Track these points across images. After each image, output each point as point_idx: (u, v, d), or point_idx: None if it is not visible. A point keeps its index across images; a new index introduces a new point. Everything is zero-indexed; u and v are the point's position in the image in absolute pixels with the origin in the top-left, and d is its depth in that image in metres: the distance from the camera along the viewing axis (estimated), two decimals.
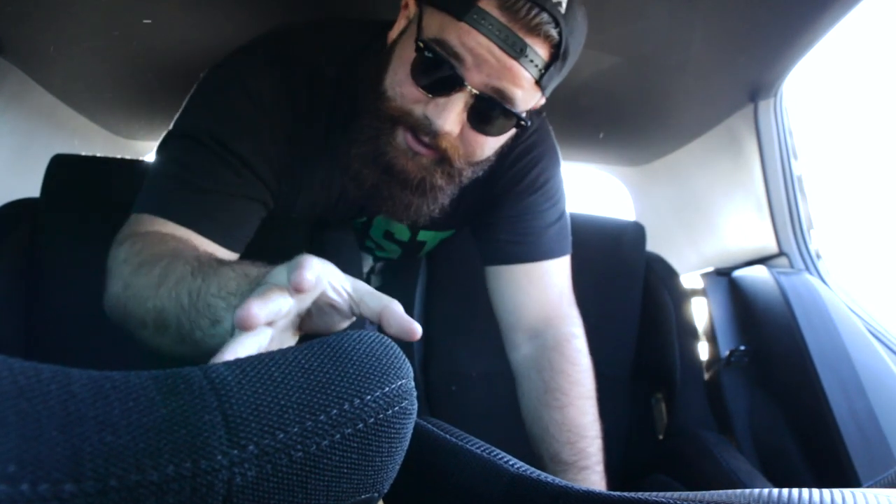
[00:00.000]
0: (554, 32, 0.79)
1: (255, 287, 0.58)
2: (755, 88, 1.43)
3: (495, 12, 0.77)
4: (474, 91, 0.81)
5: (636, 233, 1.64)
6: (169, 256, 0.73)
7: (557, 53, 0.81)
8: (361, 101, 0.91)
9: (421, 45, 0.80)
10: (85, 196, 1.20)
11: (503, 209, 1.09)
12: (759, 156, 1.52)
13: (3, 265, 1.14)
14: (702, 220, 1.89)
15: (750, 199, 1.62)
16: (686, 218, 1.96)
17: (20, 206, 1.21)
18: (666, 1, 1.13)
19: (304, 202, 1.04)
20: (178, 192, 0.84)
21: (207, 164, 0.85)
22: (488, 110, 0.84)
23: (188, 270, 0.68)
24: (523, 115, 0.86)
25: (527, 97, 0.85)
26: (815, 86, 1.56)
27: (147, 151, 2.09)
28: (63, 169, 1.21)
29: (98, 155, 1.35)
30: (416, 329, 0.55)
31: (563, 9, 0.79)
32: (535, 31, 0.78)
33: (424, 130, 0.84)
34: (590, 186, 2.28)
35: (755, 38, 1.24)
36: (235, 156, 0.87)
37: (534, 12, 0.77)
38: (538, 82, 0.83)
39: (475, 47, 0.78)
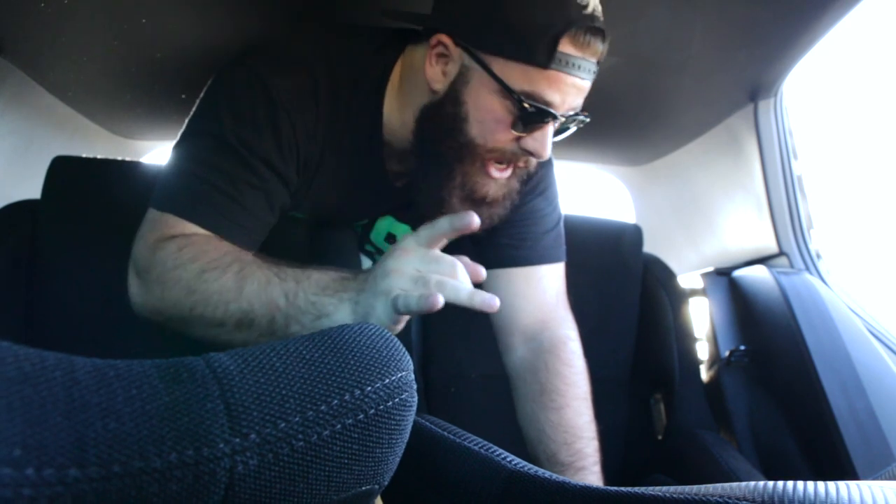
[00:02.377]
0: (605, 45, 0.88)
1: (354, 285, 0.77)
2: (755, 88, 1.43)
3: (571, 50, 0.84)
4: (562, 119, 0.89)
5: (634, 234, 1.64)
6: (237, 262, 0.80)
7: (601, 57, 0.90)
8: (434, 147, 0.94)
9: (525, 104, 0.86)
10: (85, 198, 1.20)
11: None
12: (759, 156, 1.52)
13: (4, 266, 1.15)
14: (702, 219, 1.89)
15: (750, 199, 1.62)
16: (686, 218, 1.96)
17: (21, 208, 1.22)
18: (666, 1, 1.14)
19: (312, 203, 1.04)
20: (202, 194, 0.86)
21: (230, 165, 0.87)
22: (566, 125, 0.93)
23: (272, 275, 0.79)
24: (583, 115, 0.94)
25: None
26: (815, 86, 1.57)
27: (147, 151, 2.09)
28: (64, 171, 1.21)
29: (98, 155, 1.35)
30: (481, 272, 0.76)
31: (602, 18, 0.88)
32: (598, 51, 0.87)
33: (517, 159, 0.93)
34: (590, 186, 2.28)
35: (755, 38, 1.24)
36: (261, 159, 0.88)
37: (597, 39, 0.86)
38: None
39: (563, 86, 0.86)
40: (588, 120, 0.95)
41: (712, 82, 1.44)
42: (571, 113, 0.91)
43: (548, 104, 0.86)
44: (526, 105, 0.86)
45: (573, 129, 0.95)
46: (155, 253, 0.83)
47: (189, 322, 0.81)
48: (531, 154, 0.91)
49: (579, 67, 0.85)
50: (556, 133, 0.93)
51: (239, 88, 0.91)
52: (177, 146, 0.91)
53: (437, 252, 0.75)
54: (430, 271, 0.72)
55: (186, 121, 0.93)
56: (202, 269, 0.79)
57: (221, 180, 0.86)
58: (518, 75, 0.85)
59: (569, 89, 0.87)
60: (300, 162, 0.95)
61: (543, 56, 0.83)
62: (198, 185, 0.86)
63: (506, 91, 0.86)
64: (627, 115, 1.65)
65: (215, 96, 0.94)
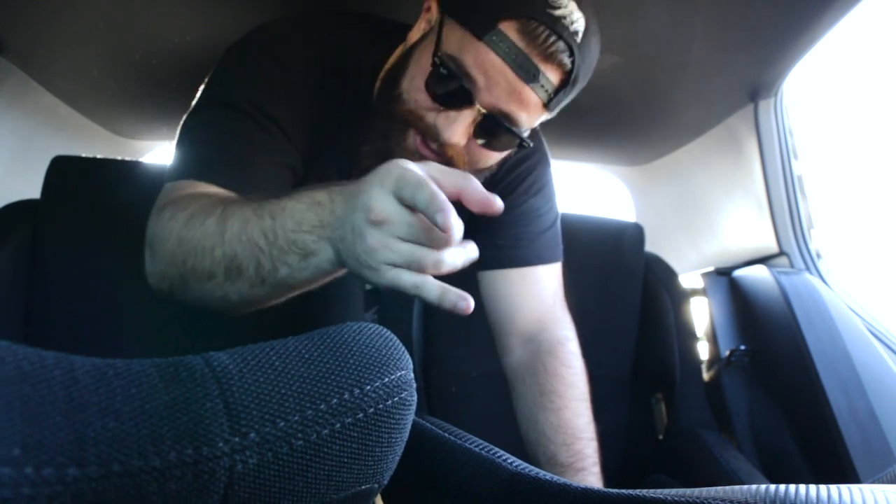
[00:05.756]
0: (568, 61, 0.80)
1: (329, 218, 0.64)
2: (755, 88, 1.43)
3: (514, 36, 0.78)
4: (482, 110, 0.82)
5: (635, 233, 1.64)
6: (221, 204, 0.73)
7: (568, 80, 0.83)
8: (377, 97, 0.92)
9: (437, 60, 0.81)
10: (85, 197, 1.20)
11: (500, 215, 1.10)
12: (760, 155, 1.52)
13: (4, 266, 1.14)
14: (702, 219, 1.89)
15: (750, 199, 1.62)
16: (686, 218, 1.96)
17: (21, 208, 1.22)
18: (666, 1, 1.14)
19: (314, 180, 1.04)
20: (215, 157, 0.83)
21: (244, 129, 0.85)
22: (494, 129, 0.85)
23: (250, 212, 0.70)
24: (526, 135, 0.88)
25: (532, 119, 0.86)
26: (815, 86, 1.57)
27: (147, 151, 2.09)
28: (64, 170, 1.21)
29: (98, 155, 1.35)
30: (497, 203, 0.60)
31: (578, 38, 0.80)
32: (549, 58, 0.79)
33: (433, 137, 0.85)
34: (590, 186, 2.28)
35: (755, 38, 1.24)
36: (271, 119, 0.87)
37: (551, 40, 0.78)
38: (545, 105, 0.84)
39: (489, 69, 0.80)
40: (528, 146, 0.89)
41: (712, 82, 1.44)
42: (501, 116, 0.83)
43: (467, 81, 0.81)
44: (440, 65, 0.81)
45: (505, 138, 0.87)
46: (159, 215, 0.79)
47: (185, 280, 0.75)
48: (439, 131, 0.84)
49: (515, 58, 0.78)
50: (482, 134, 0.86)
51: (251, 58, 0.90)
52: (189, 119, 0.89)
53: (425, 220, 0.59)
54: (419, 251, 0.59)
55: (196, 98, 0.92)
56: (190, 215, 0.74)
57: (236, 143, 0.84)
58: (455, 39, 0.81)
59: (496, 77, 0.80)
60: (307, 135, 0.93)
61: (480, 25, 0.78)
62: (211, 149, 0.84)
63: (436, 51, 0.82)
64: (627, 115, 1.65)
65: (226, 69, 0.93)
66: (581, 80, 0.86)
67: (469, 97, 0.81)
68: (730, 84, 1.44)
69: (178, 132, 0.89)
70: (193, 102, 0.92)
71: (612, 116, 1.66)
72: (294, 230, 0.66)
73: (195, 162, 0.84)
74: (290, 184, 0.92)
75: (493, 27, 0.78)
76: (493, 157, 0.92)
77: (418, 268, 0.59)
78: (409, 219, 0.58)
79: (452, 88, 0.82)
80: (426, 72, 0.84)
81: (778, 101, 1.46)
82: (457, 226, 0.56)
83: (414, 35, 0.91)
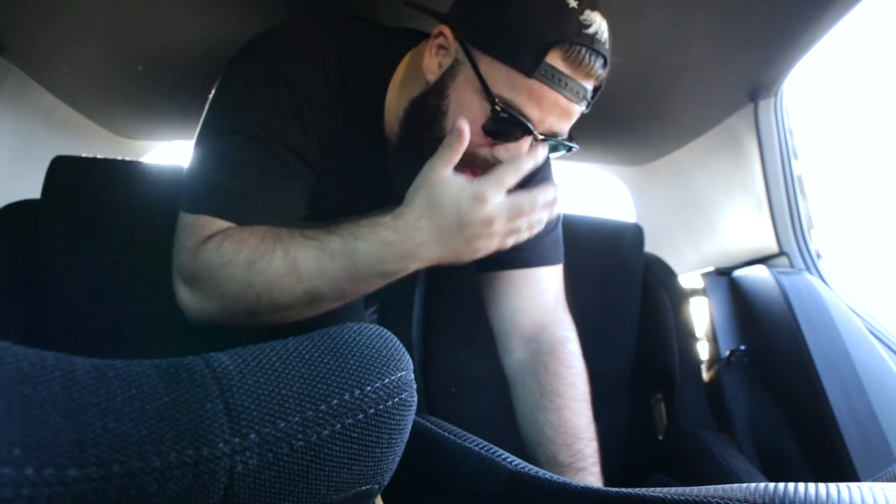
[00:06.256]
0: (603, 71, 0.85)
1: (413, 230, 0.80)
2: (755, 88, 1.43)
3: (560, 65, 0.81)
4: (540, 137, 0.86)
5: (635, 234, 1.64)
6: (273, 243, 0.81)
7: (600, 85, 0.88)
8: (405, 130, 0.94)
9: (496, 105, 0.84)
10: (85, 197, 1.20)
11: None
12: (760, 155, 1.52)
13: (4, 266, 1.14)
14: (702, 219, 1.89)
15: (750, 199, 1.62)
16: (686, 218, 1.96)
17: (21, 208, 1.21)
18: (666, 1, 1.14)
19: (319, 197, 1.04)
20: (239, 192, 0.85)
21: (265, 161, 0.87)
22: (546, 145, 0.89)
23: (318, 252, 0.80)
24: (570, 143, 0.92)
25: (572, 124, 0.91)
26: (815, 86, 1.57)
27: (147, 151, 2.09)
28: (63, 170, 1.21)
29: (99, 155, 1.35)
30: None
31: (608, 46, 0.85)
32: (592, 75, 0.84)
33: (488, 167, 0.88)
34: (590, 186, 2.28)
35: (755, 38, 1.24)
36: (289, 148, 0.88)
37: (593, 59, 0.82)
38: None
39: (543, 101, 0.83)
40: (575, 148, 0.92)
41: (712, 82, 1.44)
42: (552, 135, 0.87)
43: (525, 116, 0.84)
44: (500, 111, 0.83)
45: (560, 151, 0.93)
46: (197, 257, 0.82)
47: (256, 314, 0.82)
48: (499, 161, 0.88)
49: (566, 85, 0.82)
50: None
51: (258, 81, 0.90)
52: (200, 145, 0.90)
53: (517, 200, 0.81)
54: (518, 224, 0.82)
55: (203, 119, 0.92)
56: (249, 260, 0.80)
57: (253, 174, 0.86)
58: (501, 79, 0.83)
59: (551, 107, 0.84)
60: (320, 148, 0.94)
61: (528, 62, 0.81)
62: (229, 181, 0.85)
63: (485, 92, 0.84)
64: (627, 115, 1.65)
65: (234, 91, 0.92)
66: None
67: (527, 130, 0.85)
68: (730, 84, 1.44)
69: (191, 153, 0.90)
70: (202, 121, 0.92)
71: (612, 116, 1.66)
72: (374, 266, 0.80)
73: (215, 197, 0.86)
74: (306, 200, 0.95)
75: (541, 62, 0.81)
76: None
77: (516, 230, 0.82)
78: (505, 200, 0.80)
79: (511, 125, 0.85)
80: (478, 113, 0.86)
81: (778, 101, 1.46)
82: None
83: (430, 65, 0.90)
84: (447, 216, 0.79)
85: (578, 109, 0.87)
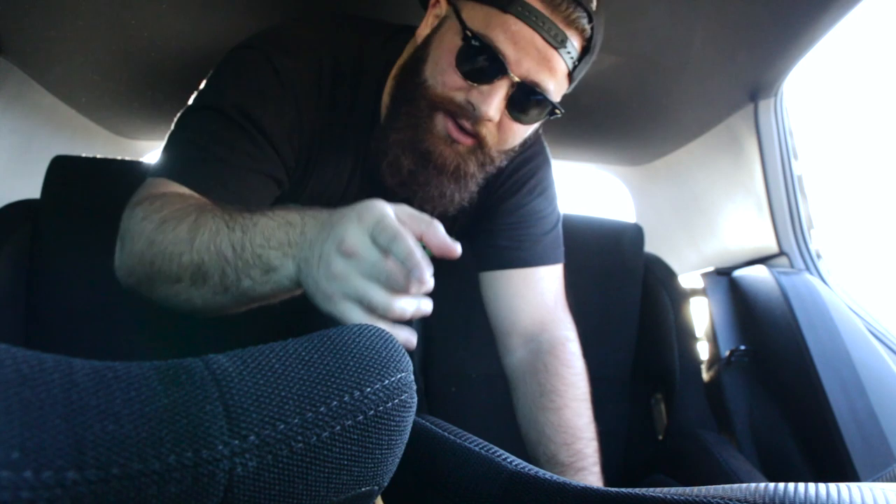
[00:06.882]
0: (588, 26, 0.85)
1: (298, 238, 0.65)
2: (755, 88, 1.43)
3: (537, 4, 0.82)
4: (516, 79, 0.85)
5: (635, 234, 1.64)
6: (195, 212, 0.75)
7: (588, 46, 0.87)
8: (394, 95, 0.94)
9: (469, 34, 0.83)
10: (85, 197, 1.20)
11: (503, 216, 1.11)
12: (760, 155, 1.52)
13: (4, 266, 1.15)
14: (702, 219, 1.89)
15: (750, 199, 1.62)
16: (686, 218, 1.96)
17: (21, 208, 1.22)
18: (666, 1, 1.14)
19: (312, 192, 1.04)
20: (196, 159, 0.84)
21: (229, 135, 0.86)
22: (527, 99, 0.88)
23: (222, 223, 0.71)
24: (557, 104, 0.90)
25: (559, 87, 0.90)
26: (815, 86, 1.57)
27: (147, 151, 2.09)
28: (63, 170, 1.21)
29: (99, 155, 1.35)
30: (456, 248, 0.61)
31: (594, 5, 0.85)
32: (572, 24, 0.83)
33: (466, 116, 0.88)
34: (590, 186, 2.28)
35: (755, 38, 1.24)
36: (258, 129, 0.87)
37: (572, 6, 0.82)
38: (570, 73, 0.88)
39: (519, 39, 0.83)
40: (560, 113, 0.91)
41: (712, 82, 1.44)
42: (532, 85, 0.86)
43: (500, 53, 0.83)
44: (472, 41, 0.83)
45: (537, 109, 0.89)
46: (132, 211, 0.80)
47: (152, 280, 0.76)
48: (474, 108, 0.86)
49: (542, 25, 0.82)
50: (515, 106, 0.88)
51: (246, 65, 0.91)
52: (179, 119, 0.90)
53: (391, 265, 0.58)
54: (374, 291, 0.59)
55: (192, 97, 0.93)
56: (163, 219, 0.75)
57: (219, 148, 0.85)
58: (479, 17, 0.84)
59: (527, 46, 0.83)
60: (302, 145, 0.94)
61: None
62: (193, 151, 0.85)
63: (462, 30, 0.84)
64: (627, 115, 1.65)
65: (221, 74, 0.93)
66: (596, 50, 0.90)
67: (502, 68, 0.84)
68: (730, 84, 1.44)
69: (169, 130, 0.90)
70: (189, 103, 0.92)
71: (612, 116, 1.66)
72: (261, 245, 0.68)
73: (175, 163, 0.85)
74: (272, 194, 0.93)
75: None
76: (521, 135, 0.94)
77: (368, 307, 0.60)
78: (376, 258, 0.59)
79: (485, 62, 0.84)
80: (453, 52, 0.86)
81: (778, 101, 1.46)
82: (427, 281, 0.57)
83: (423, 30, 0.92)
84: (325, 239, 0.63)
85: (563, 66, 0.86)
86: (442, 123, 0.89)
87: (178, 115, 0.91)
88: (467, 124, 0.88)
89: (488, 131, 0.90)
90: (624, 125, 1.73)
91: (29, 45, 1.33)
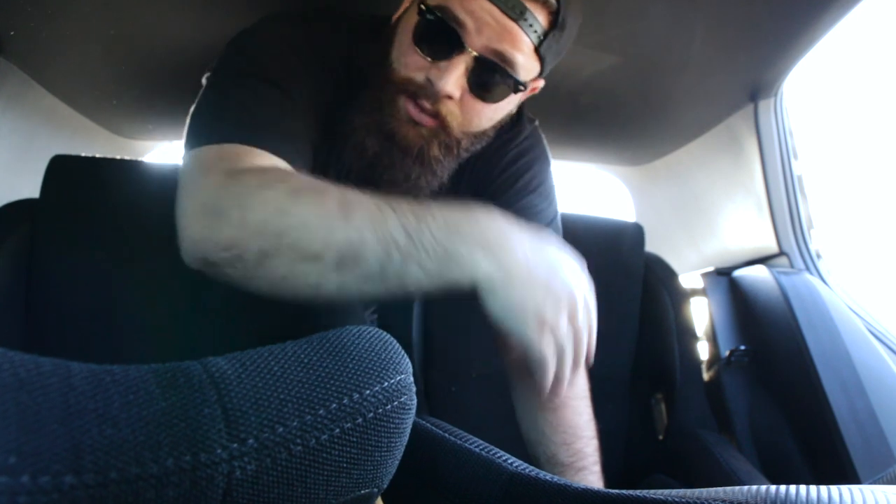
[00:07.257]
0: (553, 0, 0.82)
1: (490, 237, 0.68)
2: (755, 88, 1.43)
3: None
4: (475, 54, 0.82)
5: (635, 233, 1.64)
6: (331, 187, 0.69)
7: (556, 21, 0.83)
8: (370, 81, 0.92)
9: (423, 8, 0.82)
10: (85, 197, 1.20)
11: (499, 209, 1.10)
12: (760, 155, 1.52)
13: (3, 266, 1.14)
14: (702, 219, 1.89)
15: (750, 199, 1.62)
16: (686, 218, 1.96)
17: (20, 207, 1.21)
18: (666, 1, 1.14)
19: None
20: (269, 125, 0.79)
21: (276, 100, 0.82)
22: (488, 74, 0.85)
23: (383, 204, 0.67)
24: (521, 80, 0.87)
25: (527, 64, 0.86)
26: (815, 86, 1.56)
27: (147, 151, 2.09)
28: (63, 170, 1.21)
29: (98, 155, 1.35)
30: None
31: None
32: None
33: (426, 95, 0.85)
34: (590, 186, 2.28)
35: (755, 38, 1.24)
36: (291, 96, 0.84)
37: None
38: (537, 50, 0.85)
39: (476, 10, 0.80)
40: (524, 89, 0.89)
41: (712, 82, 1.43)
42: (494, 56, 0.83)
43: (456, 25, 0.81)
44: (429, 16, 0.81)
45: (501, 86, 0.87)
46: (228, 186, 0.70)
47: (269, 256, 0.66)
48: (433, 85, 0.83)
49: (503, 0, 0.79)
50: (477, 83, 0.85)
51: (262, 40, 0.89)
52: (212, 87, 0.85)
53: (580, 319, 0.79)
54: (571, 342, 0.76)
55: (212, 70, 0.89)
56: (294, 189, 0.68)
57: (273, 111, 0.80)
58: None
59: (485, 17, 0.80)
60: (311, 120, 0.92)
61: None
62: (249, 114, 0.78)
63: (418, 5, 0.82)
64: (627, 115, 1.65)
65: (240, 49, 0.90)
66: (569, 27, 0.86)
67: (459, 42, 0.82)
68: (730, 84, 1.44)
69: (194, 107, 0.84)
70: (210, 75, 0.89)
71: (612, 116, 1.66)
72: (449, 237, 0.65)
73: (239, 126, 0.77)
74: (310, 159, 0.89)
75: None
76: (488, 116, 0.92)
77: (560, 350, 0.73)
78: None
79: (441, 36, 0.82)
80: (411, 30, 0.84)
81: (778, 101, 1.46)
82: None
83: (396, 15, 0.92)
84: (552, 274, 0.72)
85: (526, 40, 0.83)
86: (403, 104, 0.87)
87: (210, 79, 0.87)
88: (427, 104, 0.85)
89: (449, 111, 0.86)
90: (624, 125, 1.73)
91: (29, 45, 1.32)
